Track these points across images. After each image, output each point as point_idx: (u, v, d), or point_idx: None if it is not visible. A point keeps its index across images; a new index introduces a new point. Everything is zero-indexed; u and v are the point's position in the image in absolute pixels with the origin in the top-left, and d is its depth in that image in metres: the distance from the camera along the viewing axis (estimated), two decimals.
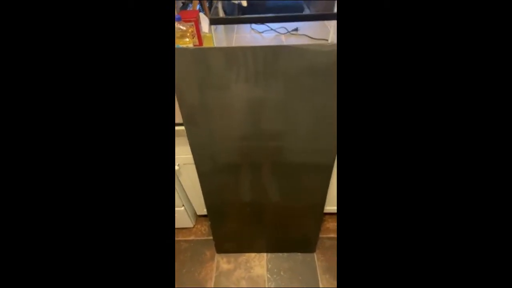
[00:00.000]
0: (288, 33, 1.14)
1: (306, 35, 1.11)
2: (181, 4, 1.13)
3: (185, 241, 1.24)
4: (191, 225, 1.26)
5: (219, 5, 0.96)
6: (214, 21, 0.81)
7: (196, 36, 1.01)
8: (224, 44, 1.06)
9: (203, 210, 1.17)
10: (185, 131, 0.75)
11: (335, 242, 1.21)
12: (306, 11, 1.15)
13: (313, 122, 0.75)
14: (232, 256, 1.17)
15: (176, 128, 0.78)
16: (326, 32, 1.12)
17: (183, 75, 0.64)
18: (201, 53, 0.62)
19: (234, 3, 1.03)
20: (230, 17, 0.85)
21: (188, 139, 0.76)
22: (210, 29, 1.16)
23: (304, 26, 1.16)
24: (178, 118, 0.72)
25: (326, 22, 1.16)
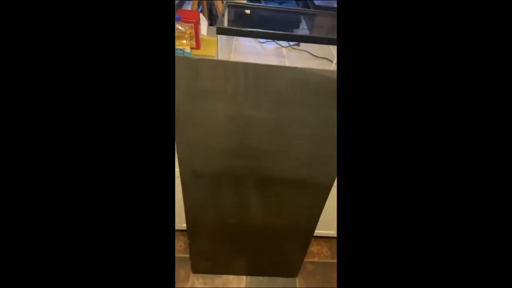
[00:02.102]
0: (289, 47, 1.11)
1: (307, 52, 1.08)
2: (177, 1, 1.06)
3: None
4: None
5: (226, 12, 0.92)
6: (221, 31, 0.78)
7: (194, 38, 0.94)
8: (224, 50, 1.00)
9: (181, 225, 1.08)
10: None
11: (318, 266, 1.16)
12: (303, 24, 1.13)
13: (308, 143, 0.70)
14: (209, 277, 1.08)
15: None
16: (328, 50, 1.10)
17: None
18: (191, 63, 0.57)
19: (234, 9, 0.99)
20: (237, 28, 0.82)
21: None
22: (209, 32, 1.10)
23: None
24: None
25: None
